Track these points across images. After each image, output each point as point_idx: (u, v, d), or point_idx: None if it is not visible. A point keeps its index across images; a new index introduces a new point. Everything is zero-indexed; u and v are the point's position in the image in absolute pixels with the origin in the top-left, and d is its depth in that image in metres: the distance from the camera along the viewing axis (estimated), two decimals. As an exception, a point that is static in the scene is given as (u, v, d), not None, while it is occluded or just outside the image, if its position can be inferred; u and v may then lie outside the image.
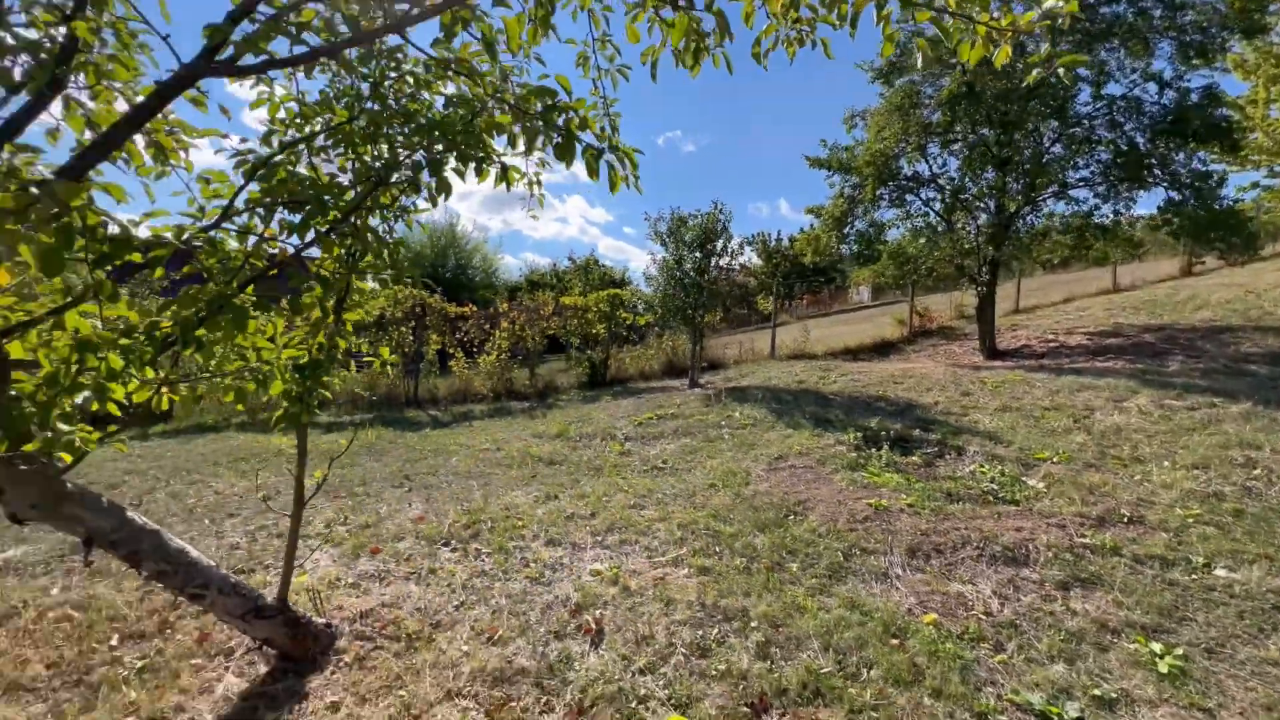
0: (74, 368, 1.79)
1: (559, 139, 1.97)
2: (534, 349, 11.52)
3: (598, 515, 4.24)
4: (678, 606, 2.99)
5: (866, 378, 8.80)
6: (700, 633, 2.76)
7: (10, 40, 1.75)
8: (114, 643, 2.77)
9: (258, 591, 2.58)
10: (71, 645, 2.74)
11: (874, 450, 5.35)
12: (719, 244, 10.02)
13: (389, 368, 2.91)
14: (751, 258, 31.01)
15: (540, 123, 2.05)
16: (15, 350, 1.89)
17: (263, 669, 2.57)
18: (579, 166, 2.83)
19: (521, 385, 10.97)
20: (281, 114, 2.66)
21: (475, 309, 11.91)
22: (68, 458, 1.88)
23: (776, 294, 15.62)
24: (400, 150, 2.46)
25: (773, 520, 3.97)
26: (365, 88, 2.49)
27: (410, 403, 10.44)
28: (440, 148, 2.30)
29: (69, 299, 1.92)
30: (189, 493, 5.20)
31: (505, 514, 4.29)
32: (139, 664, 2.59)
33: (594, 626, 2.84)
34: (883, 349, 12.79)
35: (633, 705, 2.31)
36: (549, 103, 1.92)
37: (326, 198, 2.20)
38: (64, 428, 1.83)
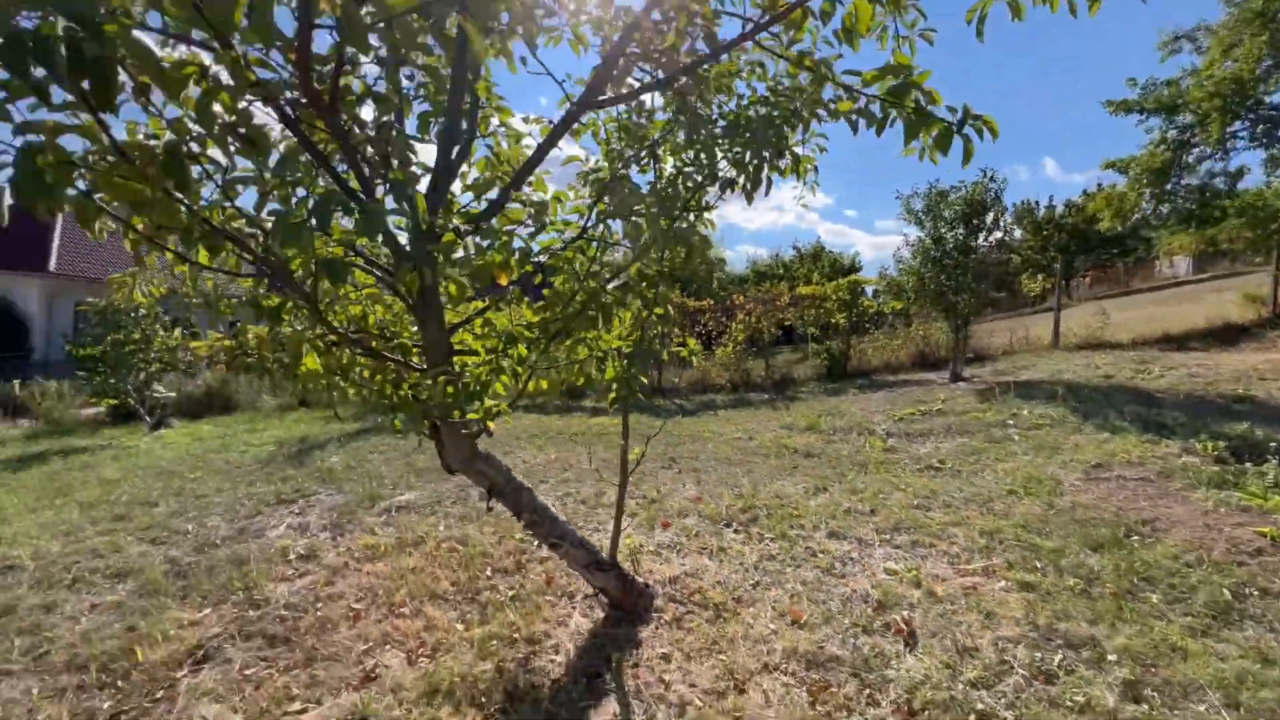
0: (499, 355, 2.30)
1: (907, 118, 1.89)
2: (769, 340, 11.47)
3: (877, 513, 4.04)
4: (1001, 622, 2.69)
5: (1211, 372, 6.87)
6: (1039, 655, 2.45)
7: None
8: (488, 573, 3.52)
9: (596, 548, 3.02)
10: (462, 570, 3.55)
11: (1249, 465, 4.13)
12: (989, 217, 8.76)
13: (695, 357, 3.16)
14: (1014, 231, 26.57)
15: (878, 104, 1.99)
16: (453, 341, 2.50)
17: (600, 614, 3.01)
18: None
19: (757, 376, 11.03)
20: (601, 134, 3.05)
21: (711, 303, 12.31)
22: (492, 424, 2.43)
23: (1056, 271, 13.08)
24: (718, 153, 2.63)
25: (1109, 539, 3.33)
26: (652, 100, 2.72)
27: (655, 391, 11.24)
28: (764, 150, 2.40)
29: (489, 302, 2.48)
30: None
31: (778, 502, 4.35)
32: (510, 594, 3.24)
33: (904, 627, 2.71)
34: (1226, 335, 9.83)
35: (970, 719, 2.15)
36: (899, 81, 1.85)
37: (665, 206, 2.46)
38: (490, 401, 2.37)
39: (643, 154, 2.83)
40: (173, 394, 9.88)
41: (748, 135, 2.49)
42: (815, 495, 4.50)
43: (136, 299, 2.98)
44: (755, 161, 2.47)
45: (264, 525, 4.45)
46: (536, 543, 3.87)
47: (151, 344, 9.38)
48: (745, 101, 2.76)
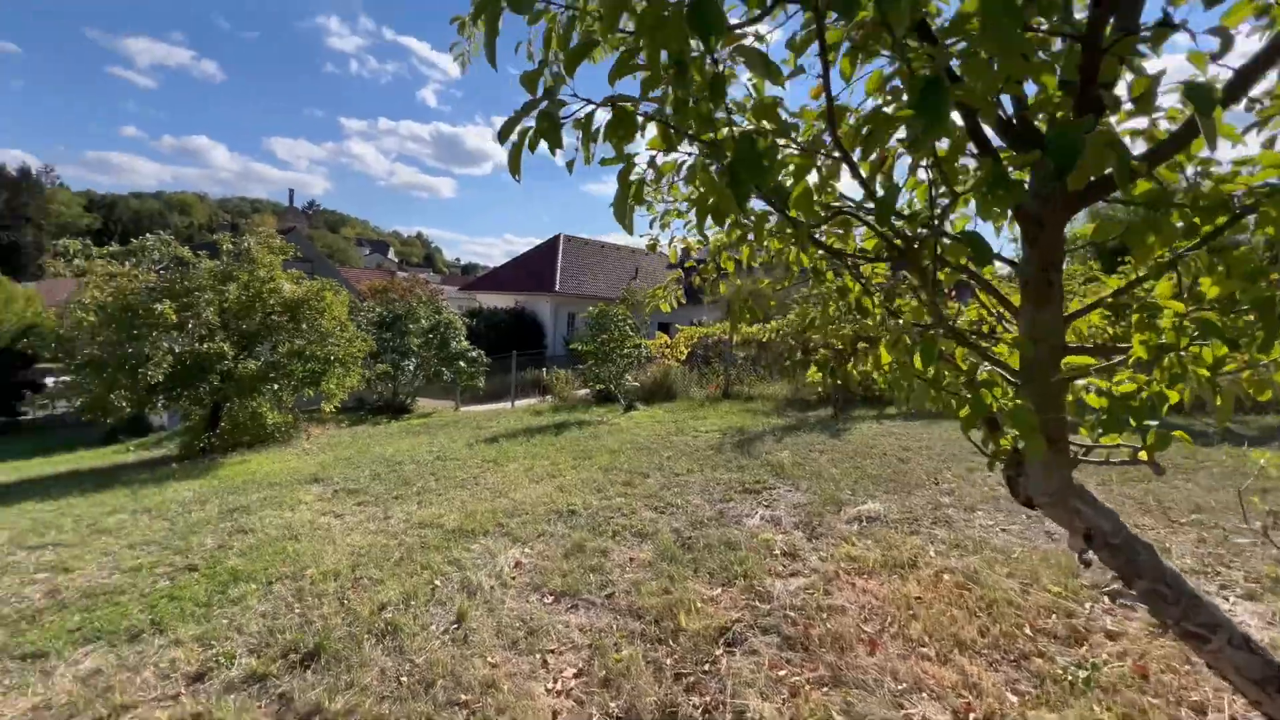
0: (1177, 356, 1.56)
1: None
2: None
3: None
4: None
5: None
6: None
7: None
8: (1027, 631, 2.77)
9: (1276, 656, 1.94)
10: (986, 617, 2.90)
11: None
12: None
13: None
14: None
15: None
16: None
17: (1282, 762, 1.92)
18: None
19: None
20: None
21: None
22: (1144, 455, 1.71)
23: None
24: None
25: None
26: None
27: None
28: None
29: (1137, 276, 1.75)
30: (967, 482, 5.39)
31: None
32: (1081, 674, 2.42)
33: None
34: None
35: None
36: None
37: None
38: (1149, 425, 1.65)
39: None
40: (636, 383, 12.23)
41: None
42: None
43: (664, 309, 3.33)
44: None
45: (739, 512, 4.72)
46: (1089, 605, 2.91)
47: (623, 343, 11.76)
48: None
